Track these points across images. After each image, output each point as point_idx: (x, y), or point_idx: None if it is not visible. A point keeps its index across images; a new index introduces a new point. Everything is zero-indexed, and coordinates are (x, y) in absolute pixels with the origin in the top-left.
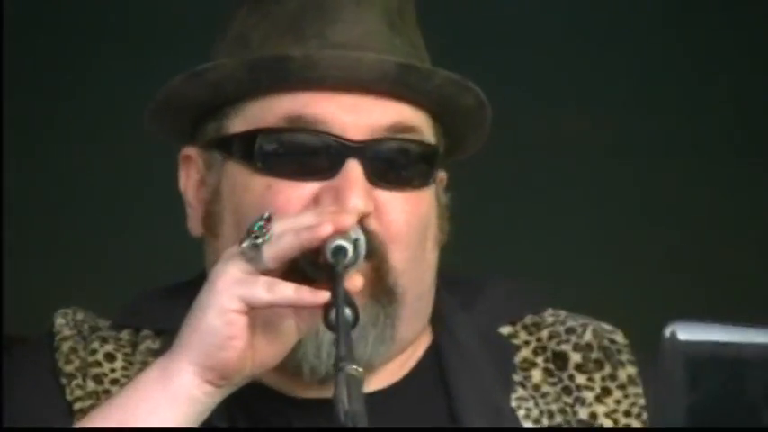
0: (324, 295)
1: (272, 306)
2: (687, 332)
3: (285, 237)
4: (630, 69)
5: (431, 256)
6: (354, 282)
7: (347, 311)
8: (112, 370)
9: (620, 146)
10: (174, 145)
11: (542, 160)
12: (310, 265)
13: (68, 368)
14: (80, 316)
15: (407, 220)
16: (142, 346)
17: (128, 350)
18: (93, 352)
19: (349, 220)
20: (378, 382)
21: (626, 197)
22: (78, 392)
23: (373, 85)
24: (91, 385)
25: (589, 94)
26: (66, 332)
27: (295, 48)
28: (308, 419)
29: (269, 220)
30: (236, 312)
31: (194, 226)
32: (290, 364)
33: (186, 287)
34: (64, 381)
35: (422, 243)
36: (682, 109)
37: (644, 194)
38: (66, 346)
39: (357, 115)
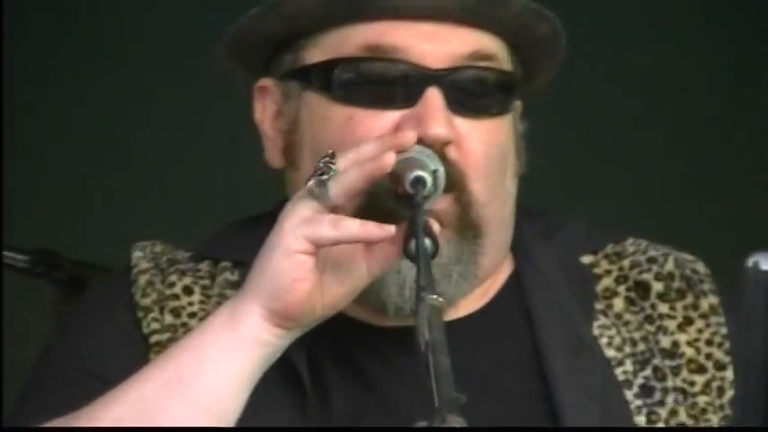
0: (390, 229)
1: (338, 243)
2: None
3: (350, 171)
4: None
5: (510, 186)
6: (433, 225)
7: (427, 241)
8: (190, 303)
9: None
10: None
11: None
12: (391, 198)
13: (145, 301)
14: (158, 248)
15: (487, 150)
16: (220, 278)
17: (206, 282)
18: (171, 285)
19: (410, 137)
20: (459, 310)
21: (701, 133)
22: (155, 325)
23: (451, 13)
24: (168, 318)
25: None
26: (144, 265)
27: None
28: (392, 347)
29: (332, 156)
30: (302, 253)
31: (274, 157)
32: (374, 302)
33: (266, 218)
34: (140, 314)
35: (501, 173)
36: None
37: (719, 131)
38: (143, 280)
39: (435, 43)
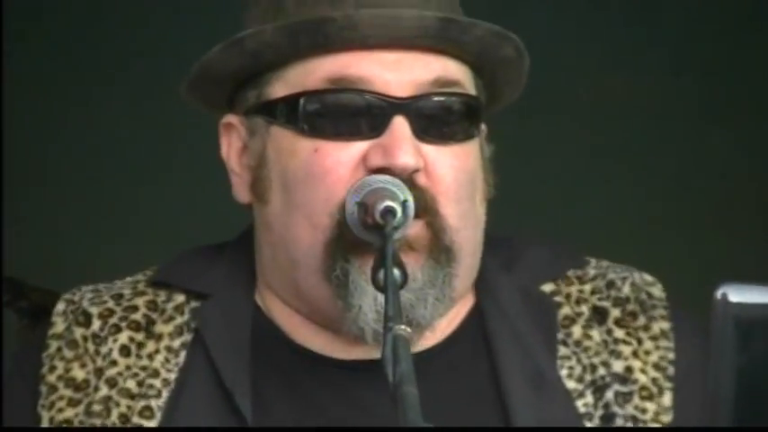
0: None
1: None
2: (738, 294)
3: None
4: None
5: (480, 210)
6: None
7: (396, 272)
8: (128, 367)
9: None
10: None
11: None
12: (360, 228)
13: (50, 378)
14: (88, 297)
15: (456, 175)
16: (171, 304)
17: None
18: (107, 354)
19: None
20: (424, 341)
21: (669, 153)
22: (60, 404)
23: (415, 41)
24: (104, 390)
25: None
26: (60, 327)
27: (332, 9)
28: (348, 380)
29: None
30: None
31: (240, 193)
32: (350, 330)
33: (228, 248)
34: (42, 388)
35: (471, 197)
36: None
37: (690, 151)
38: (53, 347)
39: (400, 72)
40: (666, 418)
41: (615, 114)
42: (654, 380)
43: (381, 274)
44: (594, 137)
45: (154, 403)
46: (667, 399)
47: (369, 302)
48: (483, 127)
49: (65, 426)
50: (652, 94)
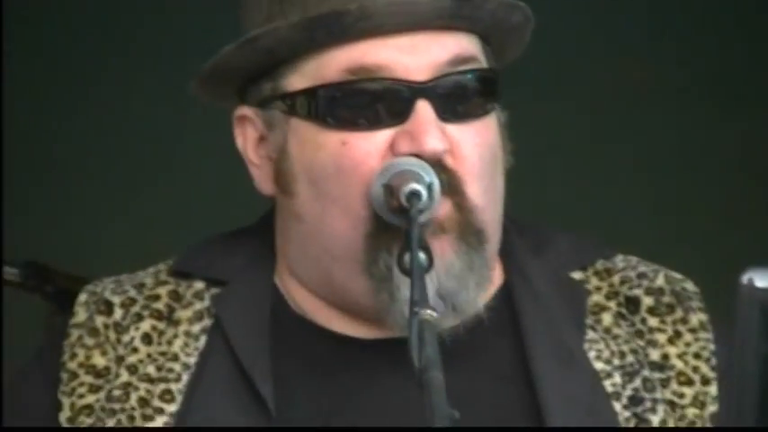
0: None
1: None
2: (765, 279)
3: None
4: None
5: (500, 183)
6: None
7: (421, 255)
8: (149, 355)
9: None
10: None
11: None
12: (386, 211)
13: (71, 365)
14: (111, 287)
15: (480, 153)
16: (189, 299)
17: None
18: (129, 342)
19: None
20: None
21: (691, 144)
22: (81, 390)
23: (429, 22)
24: (124, 376)
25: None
26: (82, 317)
27: (346, 0)
28: (375, 360)
29: None
30: None
31: (263, 184)
32: (396, 320)
33: (249, 233)
34: (64, 375)
35: (493, 173)
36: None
37: (705, 137)
38: (75, 336)
39: (417, 55)
40: (713, 407)
41: (630, 99)
42: (695, 368)
43: (407, 258)
44: (607, 121)
45: (174, 387)
46: (714, 389)
47: (402, 290)
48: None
49: (86, 411)
50: (666, 80)
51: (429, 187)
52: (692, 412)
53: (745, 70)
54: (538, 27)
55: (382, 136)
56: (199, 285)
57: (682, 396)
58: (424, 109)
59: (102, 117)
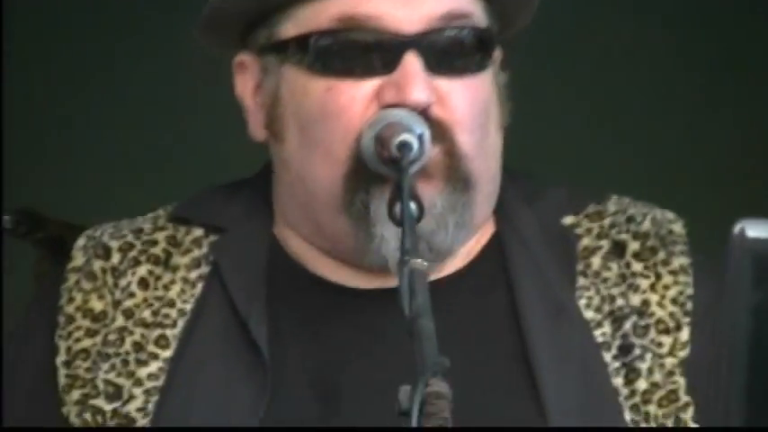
0: None
1: None
2: (757, 230)
3: None
4: None
5: (495, 139)
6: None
7: (412, 205)
8: (145, 300)
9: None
10: None
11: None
12: (377, 162)
13: (68, 309)
14: (109, 232)
15: (470, 105)
16: (187, 245)
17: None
18: (125, 286)
19: None
20: (443, 270)
21: (695, 89)
22: (77, 333)
23: None
24: (120, 320)
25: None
26: (80, 261)
27: None
28: (366, 309)
29: None
30: None
31: (256, 130)
32: (373, 260)
33: (249, 184)
34: (61, 319)
35: (485, 126)
36: None
37: (705, 100)
38: (72, 280)
39: (410, 8)
40: (683, 353)
41: (631, 60)
42: (671, 314)
43: (398, 208)
44: (609, 82)
45: (169, 333)
46: (685, 333)
47: (390, 231)
48: (497, 54)
49: (82, 355)
50: (663, 44)
51: (420, 138)
52: (669, 362)
53: (748, 33)
54: None
55: (369, 85)
56: (197, 232)
57: (660, 345)
58: (411, 61)
59: (101, 69)
